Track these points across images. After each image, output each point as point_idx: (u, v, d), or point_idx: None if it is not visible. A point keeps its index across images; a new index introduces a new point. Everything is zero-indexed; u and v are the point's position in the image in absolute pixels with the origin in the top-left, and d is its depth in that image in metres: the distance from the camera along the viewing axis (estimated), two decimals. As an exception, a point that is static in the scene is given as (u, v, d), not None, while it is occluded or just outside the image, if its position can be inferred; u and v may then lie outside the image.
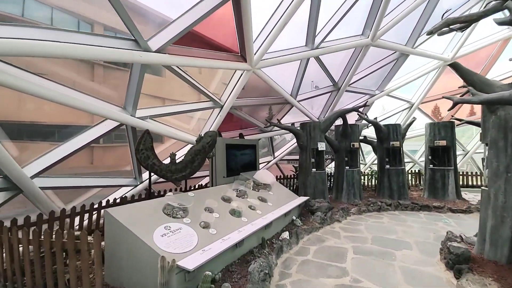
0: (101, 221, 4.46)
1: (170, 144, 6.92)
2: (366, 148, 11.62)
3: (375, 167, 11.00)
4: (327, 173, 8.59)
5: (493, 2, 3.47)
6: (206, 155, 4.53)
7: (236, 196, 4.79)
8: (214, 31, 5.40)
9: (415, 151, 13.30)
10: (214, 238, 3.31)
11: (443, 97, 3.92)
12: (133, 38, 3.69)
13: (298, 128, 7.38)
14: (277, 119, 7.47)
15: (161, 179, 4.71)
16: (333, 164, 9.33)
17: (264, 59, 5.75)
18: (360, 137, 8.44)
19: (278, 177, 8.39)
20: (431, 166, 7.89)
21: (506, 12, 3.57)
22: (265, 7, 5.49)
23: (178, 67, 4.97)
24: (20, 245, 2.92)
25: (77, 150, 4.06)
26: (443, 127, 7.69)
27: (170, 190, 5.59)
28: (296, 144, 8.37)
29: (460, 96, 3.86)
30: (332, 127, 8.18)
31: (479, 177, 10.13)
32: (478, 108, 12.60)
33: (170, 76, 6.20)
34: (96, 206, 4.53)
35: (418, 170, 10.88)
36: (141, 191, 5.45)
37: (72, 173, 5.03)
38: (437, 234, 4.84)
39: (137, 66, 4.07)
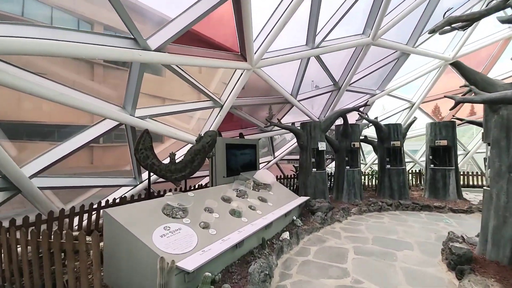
0: (101, 222, 4.44)
1: (170, 144, 6.89)
2: (366, 148, 11.59)
3: (375, 167, 10.98)
4: (328, 173, 8.56)
5: (495, 1, 3.44)
6: (206, 155, 4.50)
7: (236, 196, 4.76)
8: (214, 30, 5.38)
9: (415, 151, 13.27)
10: (214, 238, 3.29)
11: (445, 97, 3.89)
12: (132, 36, 3.66)
13: (299, 127, 7.35)
14: (277, 119, 7.45)
15: (161, 179, 4.68)
16: (333, 164, 9.30)
17: (264, 58, 5.71)
18: (361, 137, 8.40)
19: (278, 177, 8.37)
20: (432, 166, 7.86)
21: (507, 11, 3.54)
22: (266, 6, 5.45)
23: (178, 66, 4.95)
24: (18, 246, 2.90)
25: (76, 150, 4.03)
26: (444, 126, 7.66)
27: (170, 190, 5.57)
28: (296, 144, 8.35)
29: (462, 96, 3.83)
30: (333, 127, 8.15)
31: (479, 177, 10.10)
32: (478, 108, 12.56)
33: (170, 76, 6.17)
34: (95, 206, 4.51)
35: (419, 170, 10.85)
36: (141, 191, 5.42)
37: (72, 173, 5.01)
38: (438, 234, 4.82)
39: (136, 65, 4.04)
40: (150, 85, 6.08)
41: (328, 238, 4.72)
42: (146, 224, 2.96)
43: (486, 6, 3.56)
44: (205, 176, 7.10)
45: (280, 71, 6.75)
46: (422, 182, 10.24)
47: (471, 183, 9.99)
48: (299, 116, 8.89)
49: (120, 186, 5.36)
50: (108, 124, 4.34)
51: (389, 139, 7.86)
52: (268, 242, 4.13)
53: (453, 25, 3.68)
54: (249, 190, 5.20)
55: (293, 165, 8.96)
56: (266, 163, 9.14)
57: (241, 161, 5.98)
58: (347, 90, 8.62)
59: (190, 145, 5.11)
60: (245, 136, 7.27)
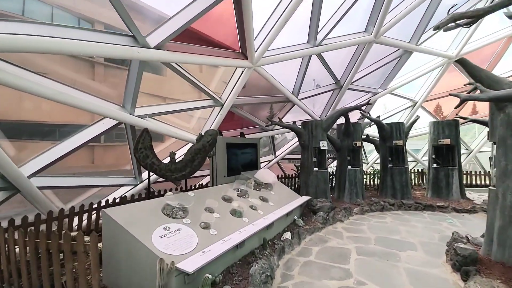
0: (101, 221, 4.40)
1: (171, 143, 6.85)
2: (368, 147, 11.53)
3: (377, 166, 10.90)
4: (329, 172, 8.50)
5: (500, -3, 3.36)
6: (207, 154, 4.45)
7: (237, 196, 4.71)
8: (214, 29, 5.32)
9: (418, 150, 13.18)
10: (214, 239, 3.24)
11: (450, 94, 3.82)
12: (131, 34, 3.61)
13: (300, 127, 7.29)
14: (279, 118, 7.39)
15: (161, 179, 4.64)
16: (335, 163, 9.23)
17: (265, 57, 5.65)
18: (363, 136, 8.33)
19: (280, 176, 8.32)
20: (435, 165, 7.78)
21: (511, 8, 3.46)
22: (266, 3, 5.39)
23: (178, 65, 4.90)
24: (16, 246, 2.86)
25: (75, 149, 4.00)
26: (447, 125, 7.58)
27: (170, 190, 5.54)
28: (297, 143, 8.29)
29: (467, 94, 3.76)
30: (334, 126, 8.08)
31: (483, 176, 10.01)
32: (480, 107, 12.46)
33: (170, 75, 6.13)
34: (95, 206, 4.47)
35: (421, 169, 10.76)
36: (141, 190, 5.39)
37: (73, 172, 4.98)
38: (441, 235, 4.75)
39: (136, 63, 4.00)
40: (151, 84, 6.04)
41: (330, 238, 4.66)
42: (145, 225, 2.92)
43: (491, 3, 3.49)
44: (206, 175, 7.06)
45: (281, 70, 6.68)
46: (425, 182, 10.16)
47: (474, 182, 9.90)
48: (300, 115, 8.83)
49: (120, 185, 5.33)
50: (108, 123, 4.30)
51: (392, 138, 7.79)
52: (269, 242, 4.08)
53: (457, 22, 3.61)
54: (250, 190, 5.15)
55: (294, 165, 8.89)
56: (267, 162, 9.09)
57: (242, 160, 5.93)
58: (348, 89, 8.54)
59: (190, 145, 5.06)
60: (246, 135, 7.21)
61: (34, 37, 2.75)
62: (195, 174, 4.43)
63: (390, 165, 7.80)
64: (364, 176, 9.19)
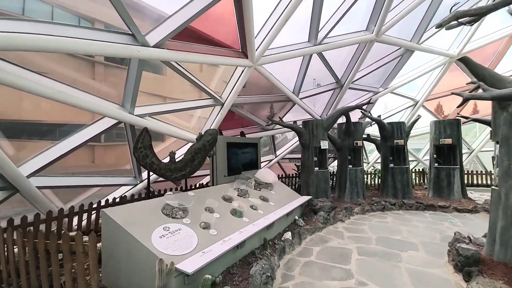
0: (100, 221, 4.38)
1: (171, 143, 6.83)
2: (369, 146, 11.48)
3: (378, 166, 10.86)
4: (330, 172, 8.46)
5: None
6: (207, 153, 4.43)
7: (237, 195, 4.69)
8: (214, 28, 5.29)
9: (419, 149, 13.13)
10: (214, 239, 3.21)
11: (452, 93, 3.78)
12: (130, 32, 3.58)
13: (300, 126, 7.26)
14: (279, 117, 7.36)
15: (162, 178, 4.62)
16: (335, 162, 9.20)
17: (265, 55, 5.62)
18: (364, 135, 8.29)
19: (280, 176, 8.29)
20: (436, 164, 7.74)
21: None
22: (267, 2, 5.35)
23: (179, 64, 4.87)
24: (15, 246, 2.84)
25: (74, 148, 3.97)
26: (449, 125, 7.54)
27: (171, 190, 5.52)
28: (298, 142, 8.26)
29: (470, 92, 3.72)
30: (335, 125, 8.04)
31: (484, 176, 9.97)
32: (481, 106, 12.40)
33: (170, 75, 6.11)
34: (95, 205, 4.45)
35: (422, 169, 10.72)
36: (141, 190, 5.37)
37: (74, 172, 4.97)
38: (443, 235, 4.72)
39: (135, 62, 3.97)
40: (151, 83, 6.02)
41: (331, 238, 4.64)
42: (145, 225, 2.90)
43: (493, 1, 3.45)
44: (206, 175, 7.03)
45: (281, 69, 6.65)
46: (426, 181, 10.12)
47: (475, 182, 9.86)
48: (301, 114, 8.80)
49: (120, 185, 5.31)
50: (107, 123, 4.28)
51: (393, 137, 7.75)
52: (269, 242, 4.06)
53: (460, 20, 3.56)
54: (251, 190, 5.13)
55: (295, 164, 8.86)
56: (267, 162, 9.06)
57: (242, 160, 5.90)
58: (349, 88, 8.50)
59: (190, 144, 5.03)
60: (246, 135, 7.18)
61: (32, 35, 2.72)
62: (195, 174, 4.41)
63: (391, 165, 7.76)
64: (365, 176, 9.16)
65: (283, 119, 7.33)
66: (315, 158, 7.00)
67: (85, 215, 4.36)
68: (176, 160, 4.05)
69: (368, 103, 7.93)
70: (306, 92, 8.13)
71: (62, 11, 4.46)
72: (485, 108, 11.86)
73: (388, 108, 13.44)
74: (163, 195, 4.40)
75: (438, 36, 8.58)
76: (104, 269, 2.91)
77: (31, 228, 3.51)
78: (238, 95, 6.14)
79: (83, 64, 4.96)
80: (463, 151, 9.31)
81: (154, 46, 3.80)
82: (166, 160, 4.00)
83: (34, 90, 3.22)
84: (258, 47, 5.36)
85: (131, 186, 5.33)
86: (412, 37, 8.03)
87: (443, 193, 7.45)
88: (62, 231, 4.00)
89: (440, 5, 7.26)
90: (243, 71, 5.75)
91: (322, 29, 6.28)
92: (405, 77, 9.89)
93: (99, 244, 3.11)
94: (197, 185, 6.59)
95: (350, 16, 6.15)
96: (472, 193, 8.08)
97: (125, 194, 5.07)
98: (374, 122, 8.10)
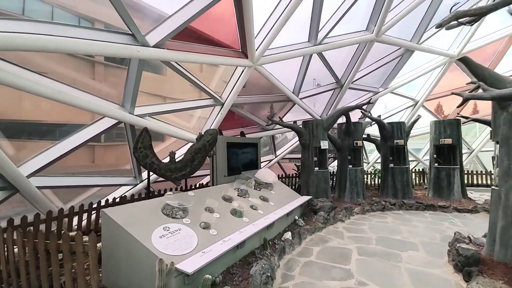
0: (100, 221, 4.38)
1: (171, 143, 6.83)
2: (369, 146, 11.48)
3: (378, 166, 10.86)
4: (330, 172, 8.46)
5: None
6: (207, 153, 4.43)
7: (237, 195, 4.69)
8: (214, 28, 5.29)
9: (419, 149, 13.13)
10: (214, 239, 3.21)
11: (452, 93, 3.78)
12: (130, 32, 3.57)
13: (300, 126, 7.26)
14: (279, 117, 7.35)
15: (162, 178, 4.61)
16: (335, 162, 9.20)
17: (265, 55, 5.61)
18: (363, 135, 8.29)
19: (280, 176, 8.29)
20: (436, 164, 7.74)
21: None
22: (267, 2, 5.35)
23: (179, 64, 4.86)
24: (15, 246, 2.84)
25: (73, 148, 3.97)
26: (449, 125, 7.54)
27: (171, 190, 5.52)
28: (298, 142, 8.25)
29: (470, 92, 3.72)
30: (335, 125, 8.04)
31: (484, 176, 9.97)
32: (481, 106, 12.40)
33: (171, 75, 6.10)
34: (95, 205, 4.45)
35: (422, 169, 10.72)
36: (141, 190, 5.37)
37: (74, 172, 4.97)
38: (443, 235, 4.72)
39: (135, 62, 3.96)
40: (151, 83, 6.02)
41: (331, 238, 4.64)
42: (145, 225, 2.90)
43: (494, 1, 3.45)
44: (206, 175, 7.03)
45: (281, 69, 6.65)
46: (426, 181, 10.12)
47: (475, 182, 9.86)
48: (301, 114, 8.79)
49: (120, 185, 5.31)
50: (107, 123, 4.27)
51: (393, 137, 7.75)
52: (269, 242, 4.06)
53: (460, 20, 3.56)
54: (251, 190, 5.13)
55: (295, 164, 8.86)
56: (267, 162, 9.06)
57: (242, 160, 5.90)
58: (349, 88, 8.50)
59: (190, 144, 5.03)
60: (246, 135, 7.18)
61: (32, 35, 2.72)
62: (195, 174, 4.40)
63: (391, 165, 7.76)
64: (365, 176, 9.16)
65: (283, 119, 7.32)
66: (315, 158, 7.00)
67: (85, 215, 4.36)
68: (176, 160, 4.04)
69: (368, 103, 7.93)
70: (306, 92, 8.13)
71: (62, 11, 4.46)
72: (485, 108, 11.86)
73: (388, 108, 13.44)
74: (163, 195, 4.40)
75: (438, 36, 8.59)
76: (104, 269, 2.91)
77: (31, 228, 3.51)
78: (238, 95, 6.14)
79: (83, 64, 4.96)
80: (463, 151, 9.32)
81: (154, 46, 3.80)
82: (166, 160, 4.00)
83: (34, 90, 3.22)
84: (258, 47, 5.36)
85: (131, 186, 5.33)
86: (412, 37, 8.03)
87: (443, 193, 7.45)
88: (62, 231, 4.02)
89: (440, 5, 7.26)
90: (243, 71, 5.75)
91: (322, 29, 6.28)
92: (405, 77, 9.89)
93: (99, 244, 3.12)
94: (197, 185, 6.58)
95: (350, 16, 6.15)
96: (472, 193, 8.08)
97: (125, 194, 5.07)
98: (374, 122, 8.10)
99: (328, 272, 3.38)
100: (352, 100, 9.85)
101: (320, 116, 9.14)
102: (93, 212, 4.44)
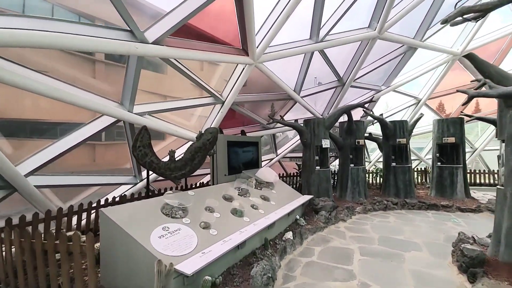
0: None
1: (171, 141, 6.78)
2: (370, 145, 11.40)
3: (380, 165, 10.79)
4: (331, 171, 8.40)
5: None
6: (207, 152, 4.37)
7: (238, 195, 4.63)
8: (214, 25, 5.22)
9: (421, 148, 13.04)
10: (214, 239, 3.16)
11: (457, 91, 3.70)
12: (128, 29, 3.51)
13: (302, 125, 7.19)
14: (280, 116, 7.28)
15: (162, 177, 4.57)
16: (337, 161, 9.14)
17: (266, 53, 5.54)
18: (365, 134, 8.22)
19: (281, 175, 8.23)
20: (439, 163, 7.66)
21: None
22: (268, -2, 5.27)
23: (179, 62, 4.80)
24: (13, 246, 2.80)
25: (72, 147, 3.92)
26: (452, 123, 7.46)
27: (171, 189, 5.47)
28: (299, 141, 8.19)
29: (475, 90, 3.64)
30: (337, 124, 7.96)
31: (487, 175, 9.89)
32: (483, 104, 12.28)
33: (171, 73, 6.05)
34: (94, 205, 4.41)
35: (424, 168, 10.64)
36: (141, 189, 5.32)
37: (74, 170, 4.93)
38: (446, 235, 4.66)
39: (134, 59, 3.90)
40: (151, 82, 5.96)
41: (333, 238, 4.58)
42: (144, 225, 2.85)
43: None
44: (206, 174, 6.99)
45: (282, 67, 6.58)
46: (428, 180, 10.05)
47: (478, 181, 9.78)
48: (302, 113, 8.72)
49: (120, 184, 5.27)
50: (106, 121, 4.22)
51: (395, 136, 7.68)
52: (270, 242, 4.01)
53: (465, 16, 3.48)
54: (251, 189, 5.07)
55: (296, 163, 8.80)
56: (268, 161, 9.00)
57: (243, 159, 5.85)
58: (351, 86, 8.41)
59: (191, 143, 4.97)
60: (247, 133, 7.12)
61: (26, 31, 2.65)
62: (195, 173, 4.35)
63: (393, 164, 7.69)
64: (367, 175, 9.09)
65: (284, 117, 7.24)
66: (317, 157, 6.94)
67: (84, 215, 4.32)
68: (176, 159, 3.99)
69: (370, 101, 7.84)
70: (307, 90, 8.05)
71: (62, 10, 4.40)
72: (487, 107, 11.75)
73: (389, 106, 13.34)
74: (163, 194, 4.35)
75: (441, 34, 8.47)
76: (103, 269, 2.87)
77: (29, 227, 3.46)
78: (239, 94, 6.07)
79: (83, 62, 4.90)
80: (466, 150, 9.23)
81: (153, 43, 3.73)
82: (166, 159, 3.95)
83: (29, 87, 3.14)
84: (259, 45, 5.29)
85: (131, 185, 5.28)
86: (415, 34, 7.92)
87: (446, 192, 7.38)
88: (62, 230, 3.98)
89: (443, 2, 7.14)
90: (243, 69, 5.68)
91: (324, 26, 6.19)
92: (408, 75, 9.79)
93: (97, 244, 3.07)
94: (197, 184, 6.54)
95: (352, 13, 6.06)
96: (475, 193, 8.00)
97: (125, 193, 5.03)
98: (376, 121, 8.02)
99: (330, 272, 3.33)
100: (354, 98, 9.76)
101: (321, 115, 9.06)
102: (92, 211, 4.40)
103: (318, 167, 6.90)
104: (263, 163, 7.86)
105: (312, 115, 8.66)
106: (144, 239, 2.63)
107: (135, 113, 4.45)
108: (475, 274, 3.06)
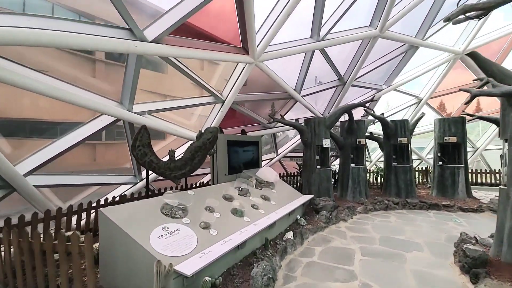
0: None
1: (172, 141, 6.76)
2: (371, 144, 11.35)
3: (380, 164, 10.75)
4: (332, 171, 8.37)
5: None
6: (207, 152, 4.34)
7: (238, 194, 4.61)
8: (214, 24, 5.19)
9: (421, 148, 12.99)
10: (214, 239, 3.14)
11: (460, 90, 3.66)
12: (127, 27, 3.47)
13: (302, 124, 7.15)
14: (281, 115, 7.25)
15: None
16: (337, 161, 9.10)
17: (267, 52, 5.50)
18: (366, 134, 8.18)
19: (282, 174, 8.21)
20: (440, 163, 7.62)
21: None
22: (268, -3, 5.23)
23: (179, 61, 4.76)
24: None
25: (71, 147, 3.90)
26: (454, 123, 7.42)
27: (171, 188, 5.45)
28: (299, 141, 8.15)
29: (477, 88, 3.61)
30: (337, 123, 7.93)
31: (488, 175, 9.84)
32: (484, 104, 12.22)
33: (171, 73, 6.01)
34: (94, 204, 4.39)
35: (425, 167, 10.60)
36: (141, 189, 5.31)
37: (75, 170, 4.91)
38: (448, 235, 4.62)
39: (133, 58, 3.87)
40: (151, 81, 5.93)
41: (333, 238, 4.55)
42: (143, 225, 2.82)
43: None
44: (207, 173, 6.96)
45: (283, 65, 6.54)
46: (429, 180, 10.01)
47: (479, 181, 9.74)
48: (302, 112, 8.68)
49: (120, 184, 5.25)
50: (105, 120, 4.19)
51: (396, 135, 7.64)
52: (271, 242, 3.99)
53: (467, 14, 3.44)
54: (252, 188, 5.05)
55: (297, 163, 8.77)
56: (268, 160, 8.97)
57: (243, 158, 5.82)
58: (352, 86, 8.36)
59: (191, 142, 4.95)
60: (247, 133, 7.09)
61: (23, 29, 2.62)
62: (195, 172, 4.32)
63: (394, 163, 7.66)
64: (368, 174, 9.05)
65: (284, 117, 7.21)
66: (317, 157, 6.91)
67: (84, 214, 4.30)
68: (176, 159, 3.97)
69: (372, 100, 7.79)
70: (308, 90, 8.01)
71: (62, 9, 4.37)
72: (489, 106, 11.68)
73: (390, 106, 13.28)
74: (162, 194, 4.33)
75: (442, 32, 8.42)
76: (102, 270, 2.85)
77: (28, 227, 3.44)
78: (239, 93, 6.04)
79: (83, 61, 4.88)
80: (468, 149, 9.17)
81: (152, 42, 3.70)
82: (166, 158, 3.93)
83: (27, 86, 3.12)
84: (259, 43, 5.25)
85: (131, 185, 5.27)
86: (417, 33, 7.87)
87: (447, 192, 7.35)
88: (62, 229, 3.96)
89: (445, 0, 7.09)
90: (244, 68, 5.64)
91: (325, 25, 6.15)
92: (409, 74, 9.73)
93: (97, 244, 3.06)
94: (198, 184, 6.52)
95: (353, 11, 6.00)
96: (476, 192, 7.96)
97: (125, 193, 5.01)
98: (377, 120, 7.98)
99: (331, 273, 3.30)
100: (355, 97, 9.71)
101: (322, 114, 9.02)
102: (92, 211, 4.38)
103: (318, 167, 6.87)
104: (263, 163, 7.84)
105: (313, 115, 8.62)
106: (144, 239, 2.61)
107: (134, 112, 4.42)
108: (478, 274, 3.03)
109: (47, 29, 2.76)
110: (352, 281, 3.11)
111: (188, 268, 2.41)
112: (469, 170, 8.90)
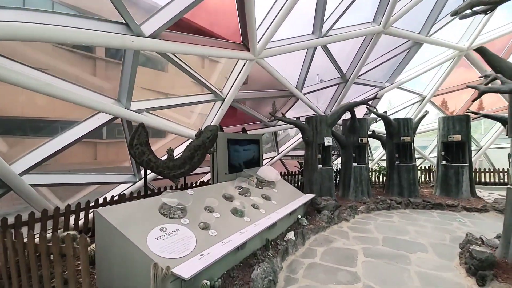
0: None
1: (172, 139, 6.68)
2: (373, 143, 11.23)
3: (383, 163, 10.64)
4: (334, 170, 8.27)
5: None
6: (207, 150, 4.26)
7: (239, 194, 4.53)
8: (214, 21, 5.08)
9: (424, 146, 12.85)
10: (214, 240, 3.06)
11: (467, 86, 3.55)
12: (124, 22, 3.37)
13: (304, 122, 7.05)
14: (282, 113, 7.14)
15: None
16: (339, 160, 9.00)
17: (268, 48, 5.39)
18: (369, 132, 8.07)
19: (283, 173, 8.12)
20: (444, 162, 7.50)
21: None
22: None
23: (179, 58, 4.66)
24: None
25: (68, 145, 3.82)
26: (458, 121, 7.28)
27: (171, 188, 5.38)
28: (301, 139, 8.06)
29: (485, 85, 3.49)
30: (339, 122, 7.82)
31: (492, 174, 9.71)
32: (487, 102, 12.03)
33: (171, 71, 5.92)
34: (92, 204, 4.32)
35: (428, 166, 10.48)
36: (140, 188, 5.23)
37: (75, 169, 4.85)
38: (453, 235, 4.53)
39: (130, 54, 3.77)
40: (151, 79, 5.85)
41: (336, 239, 4.47)
42: (140, 225, 2.75)
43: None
44: (206, 172, 6.89)
45: (284, 62, 6.42)
46: (432, 179, 9.89)
47: (483, 180, 9.61)
48: (304, 110, 8.57)
49: (119, 183, 5.18)
50: (102, 118, 4.11)
51: (399, 134, 7.53)
52: (272, 243, 3.91)
53: (475, 9, 3.33)
54: (252, 188, 4.97)
55: (298, 161, 8.68)
56: (269, 159, 8.88)
57: (243, 157, 5.73)
58: (354, 83, 8.23)
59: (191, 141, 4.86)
60: (248, 131, 7.00)
61: (14, 23, 2.52)
62: (195, 171, 4.24)
63: (397, 162, 7.54)
64: (370, 173, 8.95)
65: (286, 115, 7.11)
66: (319, 155, 6.82)
67: (82, 214, 4.24)
68: (175, 157, 3.88)
69: (374, 98, 7.67)
70: (309, 87, 7.89)
71: (62, 7, 4.28)
72: (492, 104, 11.51)
73: (392, 104, 13.14)
74: (161, 193, 4.26)
75: (447, 29, 8.25)
76: (98, 271, 2.78)
77: (23, 227, 3.38)
78: (239, 91, 5.93)
79: (83, 60, 4.79)
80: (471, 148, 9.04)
81: (149, 37, 3.60)
82: (166, 157, 3.84)
83: (22, 83, 3.03)
84: (260, 40, 5.14)
85: (130, 184, 5.20)
86: (421, 29, 7.71)
87: (451, 191, 7.23)
88: (60, 229, 3.90)
89: (450, -4, 6.93)
90: (244, 65, 5.53)
91: (327, 21, 6.01)
92: (413, 71, 9.58)
93: (93, 245, 2.99)
94: (197, 183, 6.44)
95: (356, 6, 5.86)
96: (480, 192, 7.84)
97: (124, 192, 4.94)
98: (379, 118, 7.86)
99: (333, 275, 3.22)
100: (357, 95, 9.58)
101: (324, 112, 8.90)
102: (90, 210, 4.31)
103: (320, 166, 6.78)
104: (264, 162, 7.75)
105: (314, 113, 8.50)
106: (140, 240, 2.53)
107: (132, 110, 4.34)
108: (485, 277, 2.94)
109: (41, 23, 2.66)
110: (355, 283, 3.03)
111: (186, 270, 2.33)
112: (473, 169, 8.78)
